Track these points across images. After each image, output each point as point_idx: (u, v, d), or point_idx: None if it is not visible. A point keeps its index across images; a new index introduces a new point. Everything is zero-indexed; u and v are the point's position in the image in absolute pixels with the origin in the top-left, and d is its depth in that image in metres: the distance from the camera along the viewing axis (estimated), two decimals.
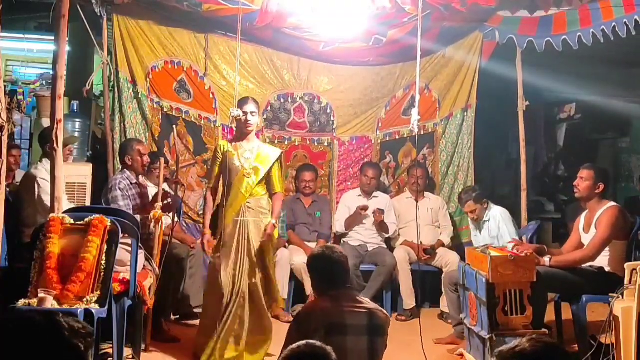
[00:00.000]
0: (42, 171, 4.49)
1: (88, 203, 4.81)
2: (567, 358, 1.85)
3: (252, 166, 4.23)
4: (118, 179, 4.61)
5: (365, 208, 5.68)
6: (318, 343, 2.00)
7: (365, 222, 5.79)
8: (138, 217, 4.39)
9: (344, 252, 3.08)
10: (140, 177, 4.77)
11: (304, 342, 2.03)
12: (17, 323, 1.61)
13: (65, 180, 4.16)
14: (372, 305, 2.96)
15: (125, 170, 4.70)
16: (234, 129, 4.37)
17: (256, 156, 4.26)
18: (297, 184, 5.97)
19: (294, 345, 2.01)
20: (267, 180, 4.30)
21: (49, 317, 1.63)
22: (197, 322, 5.01)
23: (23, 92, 8.41)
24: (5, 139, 3.22)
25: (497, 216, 5.19)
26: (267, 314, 4.26)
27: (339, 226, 5.87)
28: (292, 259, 5.52)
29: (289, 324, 2.97)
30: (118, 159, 5.17)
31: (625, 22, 4.71)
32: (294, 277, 5.53)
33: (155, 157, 4.95)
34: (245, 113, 4.21)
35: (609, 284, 3.75)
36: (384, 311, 3.01)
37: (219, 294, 4.12)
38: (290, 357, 1.97)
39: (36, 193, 4.47)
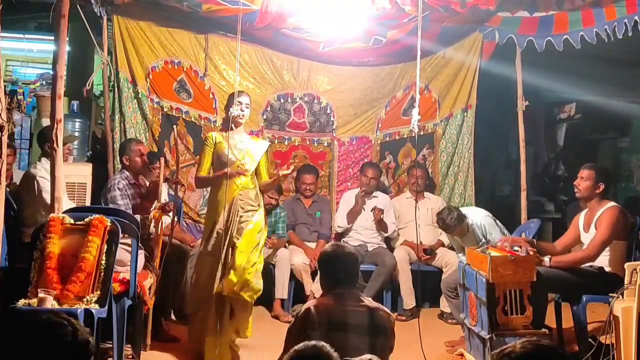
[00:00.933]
0: (41, 170, 4.49)
1: (88, 203, 4.81)
2: (560, 359, 1.83)
3: (244, 159, 4.21)
4: (117, 178, 4.61)
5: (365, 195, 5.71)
6: (326, 347, 1.99)
7: (365, 222, 5.79)
8: (138, 217, 4.39)
9: (355, 252, 3.07)
10: (139, 176, 4.77)
11: (311, 343, 2.02)
12: (30, 321, 1.62)
13: (65, 180, 4.16)
14: (375, 304, 2.95)
15: (124, 170, 4.70)
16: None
17: (246, 151, 4.23)
18: (298, 185, 5.96)
19: (300, 346, 2.00)
20: (256, 171, 4.28)
21: (63, 317, 1.64)
22: None
23: (23, 92, 8.40)
24: (5, 139, 3.22)
25: (479, 223, 4.95)
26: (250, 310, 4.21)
27: (341, 221, 5.85)
28: (292, 259, 5.51)
29: (290, 324, 2.97)
30: (118, 158, 5.17)
31: (625, 23, 4.71)
32: (293, 277, 5.53)
33: (155, 157, 4.95)
34: (240, 103, 4.20)
35: (609, 284, 3.74)
36: (387, 311, 2.99)
37: (206, 289, 4.08)
38: (295, 358, 1.97)
39: (36, 192, 4.47)
